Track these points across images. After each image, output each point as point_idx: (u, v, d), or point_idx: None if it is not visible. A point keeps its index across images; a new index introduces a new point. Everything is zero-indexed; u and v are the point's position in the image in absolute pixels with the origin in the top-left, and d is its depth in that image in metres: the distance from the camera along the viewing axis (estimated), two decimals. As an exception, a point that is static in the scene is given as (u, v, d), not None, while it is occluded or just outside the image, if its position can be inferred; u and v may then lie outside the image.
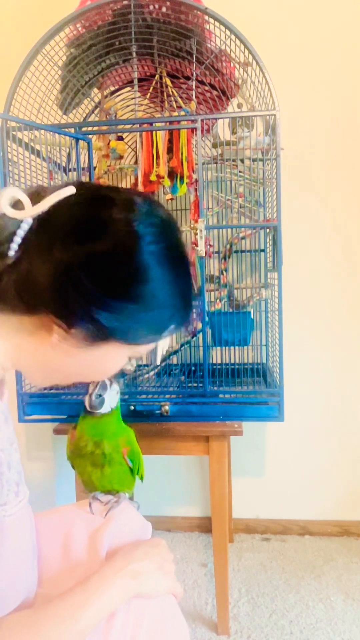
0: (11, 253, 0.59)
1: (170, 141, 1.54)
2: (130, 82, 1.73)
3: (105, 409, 0.96)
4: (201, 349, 1.60)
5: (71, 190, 0.62)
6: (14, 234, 0.59)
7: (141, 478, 1.08)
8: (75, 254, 0.58)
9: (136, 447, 1.04)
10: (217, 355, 1.74)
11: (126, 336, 0.65)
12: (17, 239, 0.59)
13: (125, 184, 1.88)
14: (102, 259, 0.59)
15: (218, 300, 1.68)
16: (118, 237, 0.60)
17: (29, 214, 0.60)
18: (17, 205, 0.61)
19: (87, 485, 1.01)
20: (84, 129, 1.50)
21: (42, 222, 0.60)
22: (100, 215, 0.61)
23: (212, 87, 1.63)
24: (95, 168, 1.62)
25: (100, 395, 0.95)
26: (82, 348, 0.64)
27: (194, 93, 1.59)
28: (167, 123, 1.48)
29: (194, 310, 1.61)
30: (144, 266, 0.61)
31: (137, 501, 1.01)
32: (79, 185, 0.63)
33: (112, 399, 0.97)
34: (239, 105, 1.54)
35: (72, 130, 1.47)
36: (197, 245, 1.46)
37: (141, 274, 0.61)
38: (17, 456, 0.75)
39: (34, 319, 0.62)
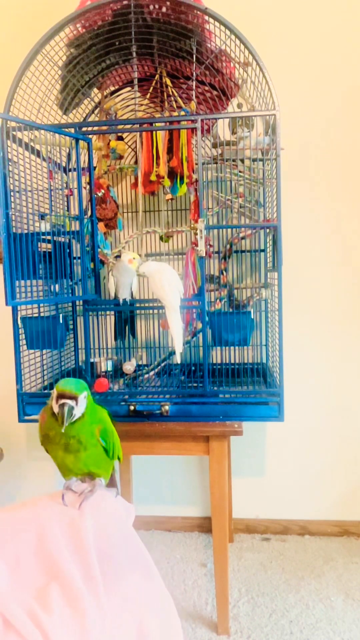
0: None
1: (170, 141, 1.55)
2: (130, 82, 1.73)
3: (77, 416, 0.92)
4: (201, 349, 1.60)
5: None
6: None
7: (119, 459, 1.05)
8: None
9: (109, 426, 1.00)
10: (217, 355, 1.75)
11: None
12: None
13: (125, 183, 1.88)
14: None
15: (218, 300, 1.68)
16: None
17: None
18: None
19: (62, 469, 0.99)
20: (84, 129, 1.50)
21: None
22: None
23: (212, 87, 1.63)
24: (95, 168, 1.62)
25: (71, 415, 0.91)
26: None
27: (194, 93, 1.59)
28: (167, 123, 1.48)
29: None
30: None
31: (116, 487, 0.99)
32: None
33: (82, 406, 0.93)
34: (239, 105, 1.54)
35: (72, 130, 1.47)
36: (197, 245, 1.46)
37: None
38: None
39: None
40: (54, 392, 0.92)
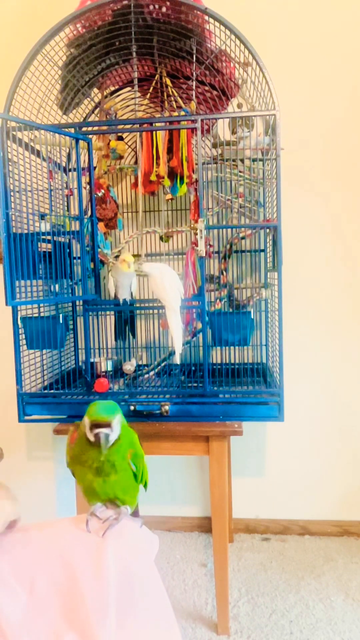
0: None
1: (170, 141, 1.54)
2: (130, 82, 1.73)
3: (113, 440, 0.92)
4: (201, 349, 1.60)
5: None
6: None
7: (145, 485, 1.03)
8: None
9: (139, 450, 1.00)
10: (217, 355, 1.75)
11: None
12: None
13: (125, 183, 1.88)
14: None
15: (218, 300, 1.68)
16: None
17: None
18: None
19: (87, 493, 0.96)
20: (84, 129, 1.50)
21: None
22: None
23: (212, 87, 1.63)
24: (95, 168, 1.62)
25: (107, 441, 0.90)
26: None
27: (194, 93, 1.59)
28: (167, 123, 1.48)
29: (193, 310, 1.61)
30: None
31: (141, 517, 0.96)
32: None
33: (117, 430, 0.92)
34: (239, 105, 1.54)
35: (72, 130, 1.47)
36: (197, 245, 1.46)
37: None
38: None
39: None
40: (87, 420, 0.90)
